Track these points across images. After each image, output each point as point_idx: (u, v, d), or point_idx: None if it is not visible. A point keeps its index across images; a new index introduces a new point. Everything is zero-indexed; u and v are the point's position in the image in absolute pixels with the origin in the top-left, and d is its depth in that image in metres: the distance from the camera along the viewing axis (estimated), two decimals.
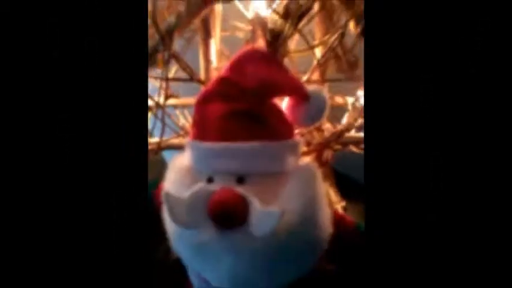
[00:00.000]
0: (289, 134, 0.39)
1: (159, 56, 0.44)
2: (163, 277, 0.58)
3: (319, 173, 0.40)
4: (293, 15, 0.40)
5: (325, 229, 0.38)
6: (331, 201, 0.65)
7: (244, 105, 0.36)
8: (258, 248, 0.33)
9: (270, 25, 0.41)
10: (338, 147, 0.58)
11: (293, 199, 0.35)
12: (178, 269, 0.54)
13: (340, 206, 0.66)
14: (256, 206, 0.32)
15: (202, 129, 0.37)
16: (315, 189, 0.37)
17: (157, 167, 0.61)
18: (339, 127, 0.56)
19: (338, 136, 0.54)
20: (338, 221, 0.42)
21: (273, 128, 0.37)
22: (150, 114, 0.52)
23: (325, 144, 0.56)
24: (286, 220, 0.33)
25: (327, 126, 0.60)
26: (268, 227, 0.32)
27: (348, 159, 0.63)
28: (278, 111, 0.39)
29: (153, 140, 0.54)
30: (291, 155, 0.38)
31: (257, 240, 0.33)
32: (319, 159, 0.60)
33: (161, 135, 0.50)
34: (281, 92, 0.38)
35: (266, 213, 0.32)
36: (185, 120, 0.56)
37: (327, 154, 0.59)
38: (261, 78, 0.36)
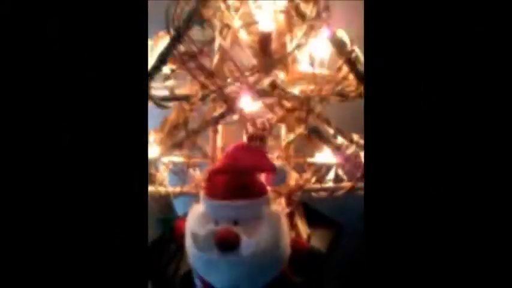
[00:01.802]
0: (264, 192, 0.64)
1: None
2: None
3: (283, 216, 0.64)
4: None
5: (285, 251, 0.62)
6: (298, 230, 0.89)
7: (238, 179, 0.61)
8: (244, 263, 0.57)
9: (250, 131, 0.65)
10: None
11: (266, 234, 0.59)
12: (186, 281, 0.77)
13: (305, 233, 0.90)
14: (244, 238, 0.56)
15: (211, 191, 0.62)
16: (279, 227, 0.62)
17: (169, 207, 0.86)
18: (301, 180, 0.81)
19: (300, 187, 0.80)
20: (295, 245, 0.67)
21: (254, 190, 0.62)
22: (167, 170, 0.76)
23: (290, 192, 0.81)
24: (261, 246, 0.58)
25: (296, 176, 0.84)
26: (250, 251, 0.56)
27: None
28: (257, 179, 0.64)
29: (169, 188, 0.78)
30: (265, 205, 0.63)
31: (244, 259, 0.57)
32: (287, 201, 0.84)
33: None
34: (258, 170, 0.64)
35: (249, 243, 0.57)
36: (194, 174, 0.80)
37: None
38: (246, 162, 0.62)
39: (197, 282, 0.67)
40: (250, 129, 0.66)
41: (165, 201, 0.95)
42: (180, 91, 0.65)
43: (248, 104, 0.64)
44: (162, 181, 0.74)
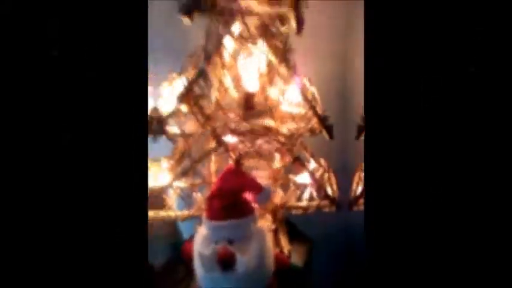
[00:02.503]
0: (252, 210, 0.75)
1: None
2: None
3: (268, 233, 0.76)
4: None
5: (271, 266, 0.74)
6: (281, 246, 1.01)
7: (230, 199, 0.72)
8: (239, 279, 0.68)
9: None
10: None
11: (255, 251, 0.71)
12: None
13: (287, 249, 1.02)
14: (239, 257, 0.67)
15: (210, 213, 0.72)
16: (265, 244, 0.74)
17: (176, 231, 0.96)
18: (283, 199, 0.94)
19: (283, 205, 0.92)
20: (278, 261, 0.78)
21: (245, 210, 0.73)
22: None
23: (275, 209, 0.93)
24: (252, 263, 0.69)
25: (281, 195, 0.96)
26: (244, 268, 0.67)
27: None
28: (245, 199, 0.75)
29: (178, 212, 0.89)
30: (253, 223, 0.74)
31: (239, 275, 0.68)
32: (273, 218, 0.96)
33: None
34: (247, 190, 0.75)
35: (243, 260, 0.68)
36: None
37: None
38: (235, 184, 0.73)
39: None
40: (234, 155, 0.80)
41: (174, 225, 1.05)
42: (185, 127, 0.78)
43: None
44: (172, 206, 0.85)
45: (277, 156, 0.88)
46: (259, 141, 0.79)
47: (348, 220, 1.15)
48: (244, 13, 0.70)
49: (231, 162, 0.81)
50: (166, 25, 0.93)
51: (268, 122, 0.78)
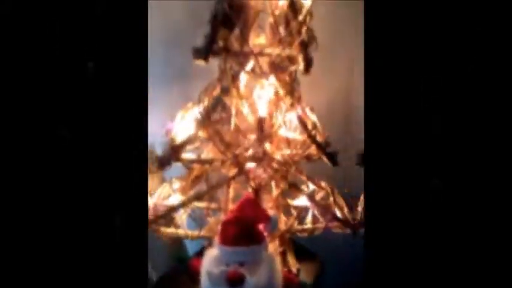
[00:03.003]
0: (263, 239, 0.82)
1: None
2: None
3: (277, 258, 0.83)
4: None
5: (279, 286, 0.80)
6: (289, 265, 1.07)
7: (244, 228, 0.79)
8: None
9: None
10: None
11: (264, 274, 0.77)
12: None
13: (295, 268, 1.08)
14: (248, 278, 0.74)
15: (224, 239, 0.80)
16: (274, 268, 0.80)
17: (182, 247, 1.04)
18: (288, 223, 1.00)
19: (288, 230, 0.99)
20: (286, 279, 0.85)
21: (256, 238, 0.80)
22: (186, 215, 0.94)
23: (282, 233, 1.00)
24: (261, 283, 0.75)
25: (285, 220, 1.03)
26: (252, 286, 0.74)
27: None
28: (258, 229, 0.82)
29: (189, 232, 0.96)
30: (264, 250, 0.81)
31: None
32: (280, 241, 1.03)
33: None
34: (258, 221, 0.82)
35: (252, 281, 0.74)
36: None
37: None
38: (249, 214, 0.80)
39: None
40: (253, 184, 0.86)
41: (180, 241, 1.14)
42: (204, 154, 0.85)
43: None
44: (182, 224, 0.92)
45: (273, 184, 0.93)
46: (258, 171, 0.83)
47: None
48: (257, 54, 0.75)
49: (249, 190, 0.88)
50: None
51: (267, 147, 0.83)
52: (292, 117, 0.88)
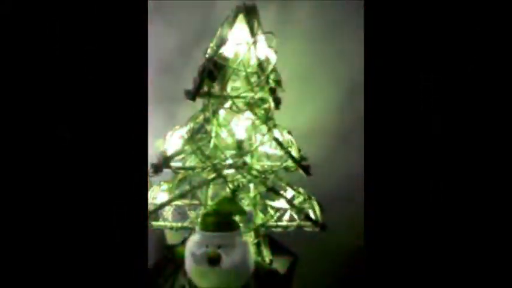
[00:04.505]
0: (238, 227, 0.99)
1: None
2: None
3: (250, 244, 1.00)
4: None
5: (251, 267, 0.97)
6: (263, 255, 1.23)
7: (222, 218, 0.96)
8: (224, 273, 0.91)
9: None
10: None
11: (238, 254, 0.94)
12: None
13: (268, 258, 1.24)
14: (224, 257, 0.90)
15: (204, 226, 0.96)
16: (247, 251, 0.97)
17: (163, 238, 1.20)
18: (265, 219, 1.18)
19: (263, 224, 1.16)
20: (258, 265, 1.01)
21: (232, 226, 0.97)
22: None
23: (257, 227, 1.17)
24: (235, 262, 0.92)
25: (262, 216, 1.20)
26: (228, 265, 0.91)
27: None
28: (233, 219, 0.99)
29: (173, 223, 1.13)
30: (238, 236, 0.98)
31: (224, 270, 0.91)
32: (255, 234, 1.20)
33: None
34: (235, 213, 0.99)
35: (227, 260, 0.91)
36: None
37: None
38: (227, 208, 0.97)
39: None
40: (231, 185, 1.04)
41: (162, 233, 1.32)
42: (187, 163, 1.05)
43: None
44: (167, 218, 1.09)
45: (251, 186, 1.14)
46: (237, 176, 1.04)
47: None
48: (233, 97, 0.98)
49: (227, 191, 1.07)
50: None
51: (247, 159, 1.05)
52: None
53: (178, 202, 1.10)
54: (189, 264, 0.95)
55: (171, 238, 1.29)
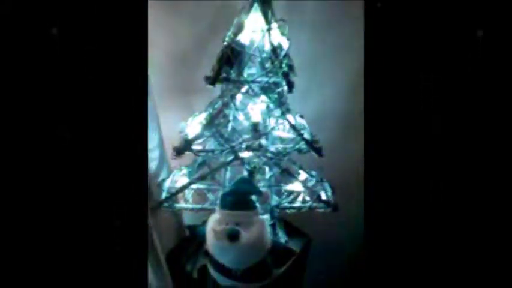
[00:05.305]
0: (255, 207, 1.04)
1: None
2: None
3: (266, 222, 1.05)
4: None
5: (267, 244, 1.03)
6: (278, 237, 1.29)
7: (240, 197, 1.01)
8: (242, 248, 0.97)
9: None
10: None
11: (255, 231, 0.99)
12: (202, 273, 1.16)
13: (283, 239, 1.30)
14: (243, 233, 0.96)
15: (224, 205, 1.02)
16: (263, 228, 1.03)
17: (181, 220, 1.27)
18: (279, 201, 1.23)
19: (277, 206, 1.21)
20: (274, 242, 1.07)
21: (249, 205, 1.03)
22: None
23: (272, 209, 1.23)
24: (252, 238, 0.98)
25: (276, 199, 1.26)
26: (245, 241, 0.96)
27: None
28: (251, 199, 1.04)
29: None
30: (255, 215, 1.03)
31: (242, 246, 0.96)
32: (271, 216, 1.25)
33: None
34: (251, 193, 1.04)
35: (245, 236, 0.97)
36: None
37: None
38: (244, 188, 1.03)
39: (211, 270, 1.05)
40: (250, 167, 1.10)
41: (181, 215, 1.41)
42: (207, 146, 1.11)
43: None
44: (188, 200, 1.15)
45: (267, 169, 1.19)
46: (250, 156, 1.09)
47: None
48: (250, 82, 1.03)
49: (245, 173, 1.12)
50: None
51: (262, 141, 1.10)
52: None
53: (198, 185, 1.16)
54: (210, 240, 1.01)
55: (190, 220, 1.36)
